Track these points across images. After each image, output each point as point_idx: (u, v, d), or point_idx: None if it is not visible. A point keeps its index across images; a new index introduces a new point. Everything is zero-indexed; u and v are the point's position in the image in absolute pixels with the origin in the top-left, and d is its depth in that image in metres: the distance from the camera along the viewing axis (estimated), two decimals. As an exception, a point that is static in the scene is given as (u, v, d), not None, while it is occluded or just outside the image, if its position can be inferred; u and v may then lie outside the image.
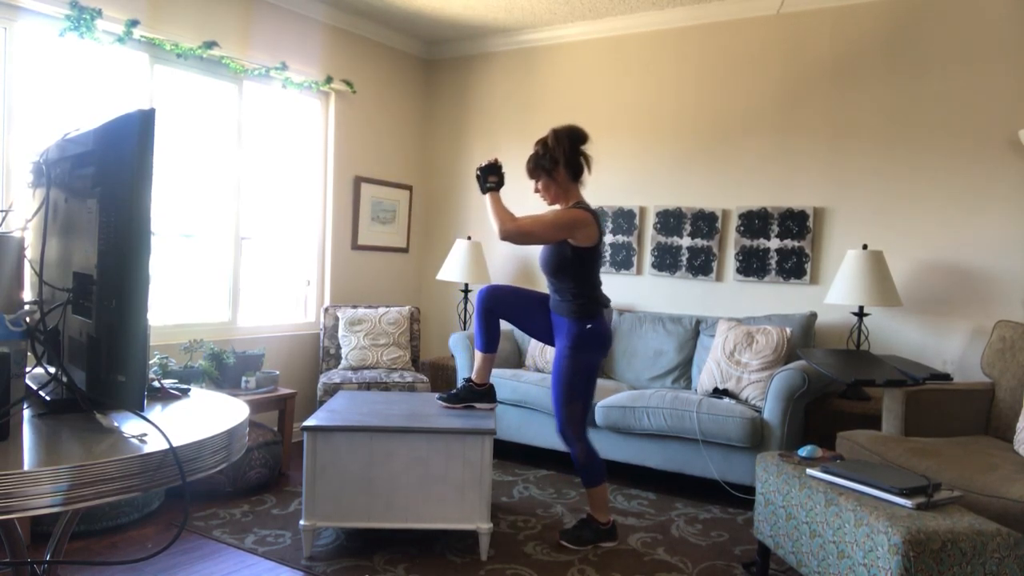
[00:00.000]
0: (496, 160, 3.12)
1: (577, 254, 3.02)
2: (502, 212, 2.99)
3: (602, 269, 4.93)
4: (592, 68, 5.04)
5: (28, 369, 1.55)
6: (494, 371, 4.32)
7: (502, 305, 3.21)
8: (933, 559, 2.02)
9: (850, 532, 2.21)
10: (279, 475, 3.96)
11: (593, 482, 3.15)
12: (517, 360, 4.79)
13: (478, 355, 3.26)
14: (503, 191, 3.10)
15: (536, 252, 5.19)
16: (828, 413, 3.73)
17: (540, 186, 3.11)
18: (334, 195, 5.06)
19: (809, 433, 3.77)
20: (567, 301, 3.09)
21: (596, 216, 3.06)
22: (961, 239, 3.89)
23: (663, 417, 3.77)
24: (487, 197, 3.06)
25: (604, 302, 3.14)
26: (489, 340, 3.23)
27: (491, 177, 3.07)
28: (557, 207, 3.12)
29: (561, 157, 3.03)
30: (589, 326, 3.04)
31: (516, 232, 2.94)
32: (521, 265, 5.31)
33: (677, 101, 4.73)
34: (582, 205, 3.07)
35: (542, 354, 4.56)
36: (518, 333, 4.87)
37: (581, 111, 5.07)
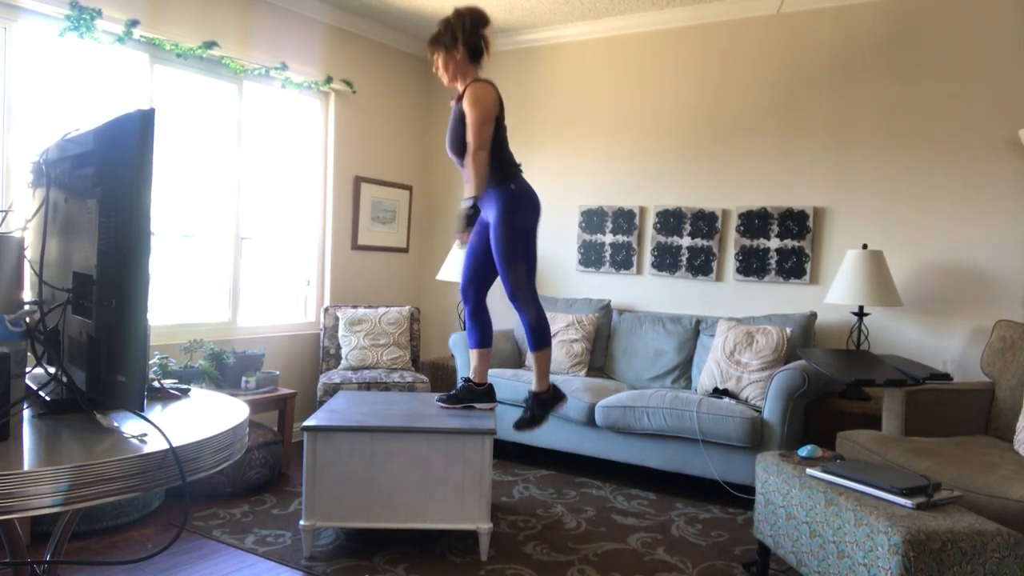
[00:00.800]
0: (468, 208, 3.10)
1: None
2: (477, 170, 2.99)
3: (602, 268, 4.95)
4: (592, 68, 5.04)
5: (28, 369, 1.55)
6: (494, 371, 4.33)
7: (474, 281, 3.24)
8: (933, 559, 2.02)
9: (850, 532, 2.21)
10: (279, 475, 3.96)
11: (543, 344, 3.16)
12: (517, 360, 4.79)
13: (472, 352, 3.29)
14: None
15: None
16: (828, 413, 3.73)
17: (439, 63, 3.15)
18: (334, 195, 5.06)
19: (809, 433, 3.77)
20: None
21: (493, 84, 3.10)
22: (961, 239, 3.89)
23: (663, 417, 3.77)
24: (468, 180, 3.05)
25: (517, 164, 3.15)
26: (480, 334, 3.27)
27: (468, 210, 3.05)
28: (456, 87, 3.15)
29: (460, 35, 3.08)
30: (513, 186, 3.07)
31: (481, 151, 2.98)
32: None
33: (677, 101, 4.73)
34: (481, 80, 3.10)
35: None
36: (518, 333, 4.87)
37: (581, 111, 5.07)
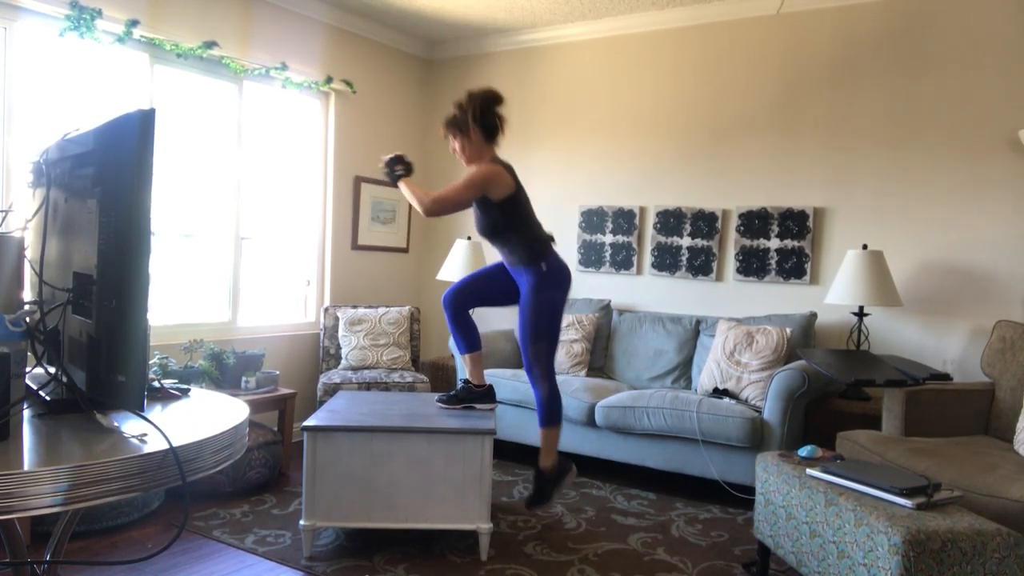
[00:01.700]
0: (402, 154, 3.18)
1: (502, 208, 3.04)
2: (418, 193, 3.04)
3: (602, 269, 4.95)
4: (592, 68, 5.04)
5: (28, 369, 1.55)
6: (494, 371, 4.33)
7: (467, 298, 3.24)
8: (933, 559, 2.02)
9: (850, 532, 2.21)
10: (279, 475, 3.96)
11: (552, 422, 3.13)
12: (516, 361, 4.79)
13: (464, 358, 3.28)
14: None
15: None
16: (828, 413, 3.73)
17: (456, 145, 3.15)
18: (334, 195, 5.06)
19: (809, 433, 3.77)
20: (515, 252, 3.11)
21: (508, 166, 3.09)
22: (961, 239, 3.89)
23: (663, 417, 3.77)
24: (401, 185, 3.11)
25: (548, 238, 3.15)
26: (468, 340, 3.26)
27: (397, 166, 3.13)
28: (472, 168, 3.15)
29: (475, 117, 3.08)
30: (545, 266, 3.07)
31: (433, 202, 2.99)
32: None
33: (677, 101, 4.73)
34: (496, 160, 3.10)
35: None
36: (517, 334, 4.86)
37: (581, 111, 5.07)
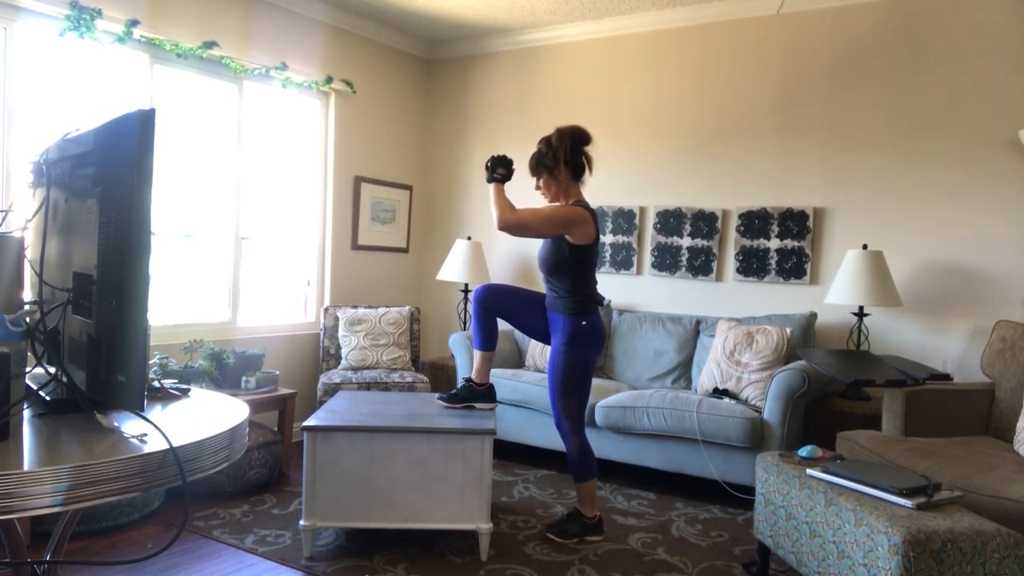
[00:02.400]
0: (508, 157, 3.16)
1: (574, 252, 3.06)
2: (503, 203, 3.03)
3: (602, 269, 4.95)
4: (592, 68, 5.04)
5: (28, 369, 1.55)
6: (494, 371, 4.33)
7: (500, 303, 3.25)
8: (933, 559, 2.02)
9: (850, 532, 2.21)
10: (279, 475, 3.96)
11: (584, 476, 3.19)
12: (517, 360, 4.79)
13: (477, 354, 3.28)
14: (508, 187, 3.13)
15: (532, 250, 5.20)
16: (828, 413, 3.73)
17: (541, 184, 3.16)
18: (334, 195, 5.06)
19: (809, 433, 3.77)
20: (563, 298, 3.13)
21: (594, 215, 3.11)
22: (961, 239, 3.89)
23: (663, 417, 3.77)
24: (491, 187, 3.10)
25: (599, 300, 3.18)
26: (488, 338, 3.26)
27: (499, 169, 3.12)
28: (557, 205, 3.15)
29: (563, 156, 3.08)
30: (584, 323, 3.09)
31: (515, 223, 2.98)
32: (521, 265, 5.31)
33: (677, 101, 4.73)
34: (581, 203, 3.11)
35: (542, 354, 4.56)
36: (518, 333, 4.87)
37: (581, 111, 5.07)
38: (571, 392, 3.13)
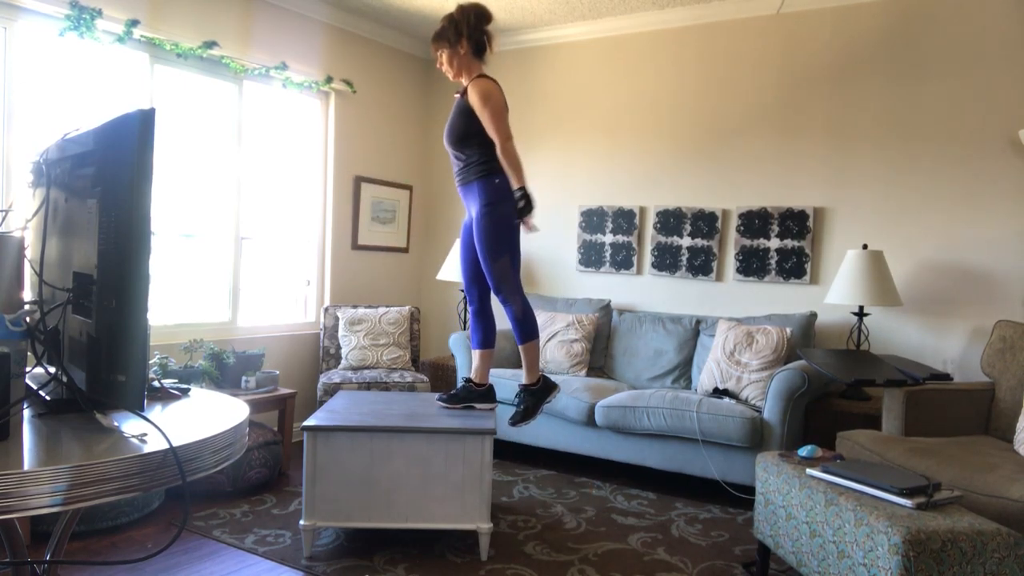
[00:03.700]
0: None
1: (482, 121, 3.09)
2: (514, 164, 3.05)
3: (602, 268, 4.95)
4: (592, 68, 5.04)
5: (28, 369, 1.55)
6: (494, 371, 4.33)
7: (472, 279, 3.27)
8: (933, 559, 2.02)
9: (850, 532, 2.21)
10: (279, 475, 3.96)
11: (531, 336, 3.17)
12: (517, 360, 4.79)
13: (475, 353, 3.29)
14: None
15: (532, 250, 5.20)
16: (828, 413, 3.73)
17: (444, 59, 3.18)
18: (334, 195, 5.06)
19: (809, 433, 3.77)
20: (473, 166, 3.13)
21: (496, 82, 3.15)
22: (961, 239, 3.89)
23: (663, 417, 3.77)
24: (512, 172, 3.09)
25: None
26: (484, 336, 3.28)
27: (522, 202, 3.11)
28: (461, 82, 3.18)
29: (465, 30, 3.12)
30: (498, 180, 3.09)
31: (508, 141, 3.05)
32: (522, 264, 5.31)
33: (677, 101, 4.73)
34: (485, 76, 3.14)
35: (541, 354, 4.56)
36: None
37: (581, 111, 5.07)
38: (503, 252, 3.09)
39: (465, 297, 3.29)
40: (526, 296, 3.21)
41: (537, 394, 3.21)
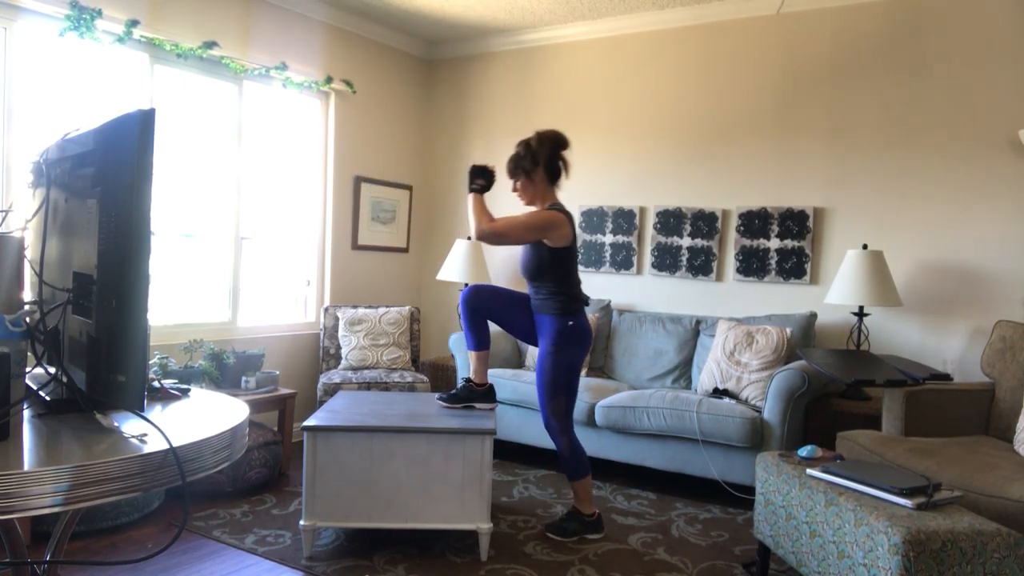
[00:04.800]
0: (490, 166, 3.21)
1: (554, 255, 3.10)
2: (481, 212, 3.08)
3: (602, 269, 4.95)
4: (592, 68, 5.04)
5: (28, 369, 1.55)
6: (494, 371, 4.33)
7: (485, 304, 3.27)
8: (933, 559, 2.02)
9: (850, 532, 2.21)
10: (279, 475, 3.96)
11: (577, 475, 3.22)
12: (517, 360, 4.79)
13: (472, 355, 3.29)
14: (488, 197, 3.17)
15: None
16: (828, 413, 3.73)
17: (518, 186, 3.19)
18: (334, 195, 5.06)
19: (809, 433, 3.77)
20: (547, 300, 3.17)
21: (570, 216, 3.15)
22: (961, 239, 3.89)
23: (663, 417, 3.77)
24: (470, 196, 3.16)
25: (584, 300, 3.21)
26: (479, 338, 3.28)
27: (478, 179, 3.17)
28: (532, 209, 3.19)
29: (542, 159, 3.12)
30: (571, 323, 3.13)
31: (491, 232, 3.03)
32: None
33: (677, 101, 4.73)
34: (556, 206, 3.15)
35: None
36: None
37: (581, 111, 5.07)
38: (561, 392, 3.16)
39: (461, 296, 3.28)
40: (576, 435, 3.25)
41: (587, 527, 3.24)
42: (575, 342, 3.13)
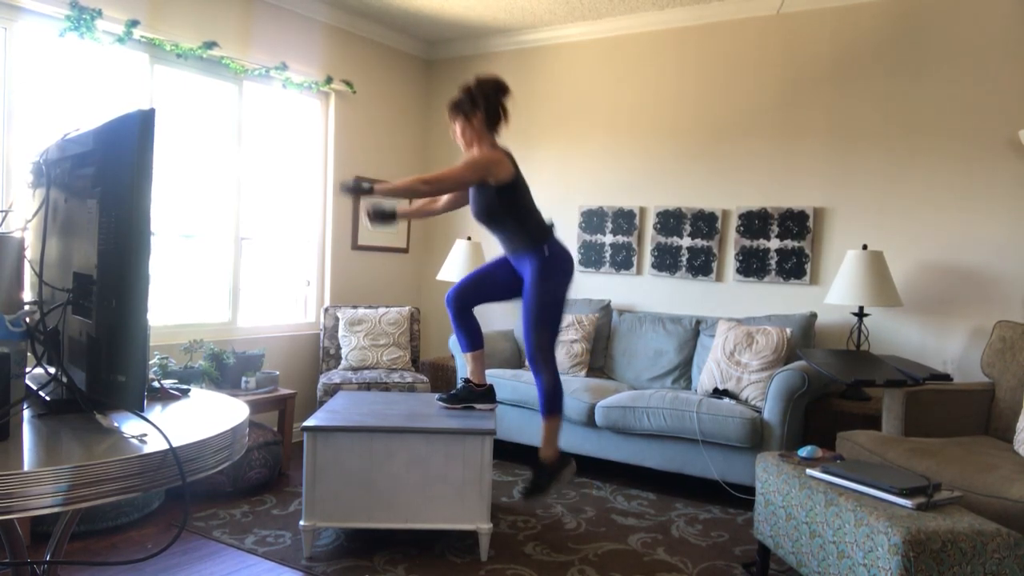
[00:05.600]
0: (388, 208, 3.09)
1: (501, 193, 3.02)
2: (404, 183, 2.95)
3: (602, 269, 4.95)
4: (592, 68, 5.04)
5: (28, 369, 1.55)
6: (494, 371, 4.33)
7: (469, 294, 3.24)
8: (933, 559, 2.02)
9: (850, 532, 2.21)
10: (279, 475, 3.96)
11: (554, 411, 3.11)
12: (517, 361, 4.79)
13: (466, 356, 3.29)
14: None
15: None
16: (828, 413, 3.73)
17: (457, 129, 3.14)
18: (334, 195, 5.06)
19: (809, 433, 3.77)
20: (515, 238, 3.09)
21: (508, 152, 3.09)
22: (961, 239, 3.89)
23: (663, 417, 3.77)
24: (379, 189, 2.97)
25: (549, 225, 3.14)
26: (471, 339, 3.26)
27: (363, 181, 3.02)
28: (473, 152, 3.13)
29: (481, 103, 3.07)
30: (547, 252, 3.05)
31: (429, 182, 2.94)
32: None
33: (677, 101, 4.73)
34: (493, 146, 3.10)
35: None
36: (518, 333, 4.87)
37: (581, 111, 5.07)
38: (546, 324, 3.07)
39: (445, 300, 3.26)
40: (558, 370, 3.16)
41: (553, 471, 3.11)
42: (557, 269, 3.06)
